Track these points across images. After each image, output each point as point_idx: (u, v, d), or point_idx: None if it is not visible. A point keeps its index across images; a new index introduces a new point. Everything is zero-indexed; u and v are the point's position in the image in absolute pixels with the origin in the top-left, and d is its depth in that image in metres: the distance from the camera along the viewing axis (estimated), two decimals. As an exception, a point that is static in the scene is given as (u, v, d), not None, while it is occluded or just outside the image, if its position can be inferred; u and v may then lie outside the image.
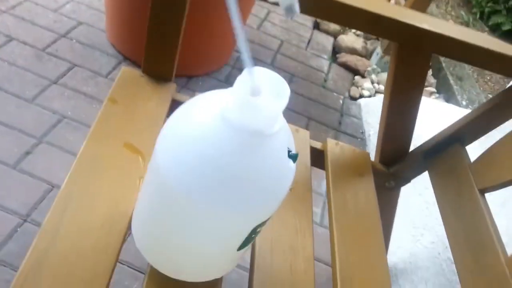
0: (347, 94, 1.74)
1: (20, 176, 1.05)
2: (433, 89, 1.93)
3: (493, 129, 0.69)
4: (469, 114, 0.71)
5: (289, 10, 0.29)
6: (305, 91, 1.66)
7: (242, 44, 0.32)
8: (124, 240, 0.51)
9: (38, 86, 1.29)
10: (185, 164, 0.37)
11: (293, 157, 0.40)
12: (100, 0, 1.66)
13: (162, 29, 0.65)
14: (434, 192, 0.72)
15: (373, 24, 0.59)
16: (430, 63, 2.06)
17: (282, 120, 0.38)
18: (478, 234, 0.60)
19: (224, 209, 0.37)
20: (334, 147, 0.77)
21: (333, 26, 2.03)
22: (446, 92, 1.91)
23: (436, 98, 1.89)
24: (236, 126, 0.35)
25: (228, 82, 1.55)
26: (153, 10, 0.62)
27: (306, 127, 1.51)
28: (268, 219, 0.43)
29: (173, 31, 0.64)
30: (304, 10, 0.64)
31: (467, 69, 2.02)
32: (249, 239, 0.44)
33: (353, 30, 2.10)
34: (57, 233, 0.48)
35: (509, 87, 0.65)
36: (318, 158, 0.76)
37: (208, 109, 0.38)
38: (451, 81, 1.90)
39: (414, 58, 0.63)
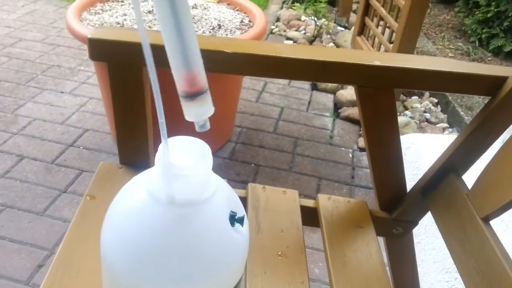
0: (355, 147, 1.71)
1: (32, 291, 1.05)
2: (445, 124, 1.88)
3: (483, 152, 0.65)
4: (455, 140, 0.67)
5: (202, 127, 0.32)
6: (312, 152, 1.64)
7: (160, 115, 0.32)
8: None
9: (48, 198, 1.33)
10: (120, 246, 0.36)
11: (239, 220, 0.38)
12: (104, 106, 1.76)
13: (127, 118, 0.67)
14: (439, 230, 0.66)
15: (324, 73, 0.59)
16: (436, 100, 2.04)
17: (217, 184, 0.37)
18: (490, 267, 0.54)
19: (166, 286, 0.35)
20: (327, 202, 0.74)
21: (331, 84, 2.06)
22: (458, 125, 1.85)
23: (450, 132, 1.83)
24: (163, 201, 0.34)
25: (233, 158, 1.56)
26: (115, 101, 0.64)
27: (318, 188, 1.48)
28: (233, 290, 0.40)
29: (139, 118, 0.66)
30: (253, 71, 0.65)
31: (476, 98, 1.98)
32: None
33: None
34: None
35: (485, 105, 0.62)
36: (311, 216, 0.73)
37: (138, 188, 0.37)
38: (461, 113, 1.86)
39: (376, 97, 0.61)
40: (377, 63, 0.58)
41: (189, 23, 0.28)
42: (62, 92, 1.87)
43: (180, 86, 0.30)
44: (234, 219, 0.38)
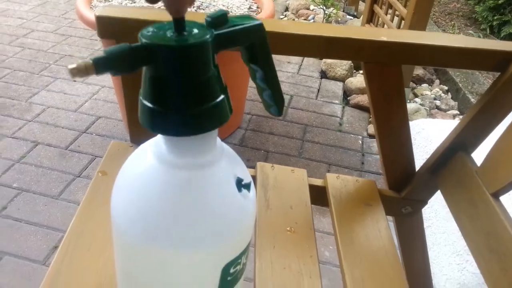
0: (365, 134, 1.71)
1: (48, 270, 1.08)
2: (456, 111, 1.87)
3: (492, 129, 0.65)
4: (464, 118, 0.67)
5: None
6: (321, 139, 1.64)
7: None
8: (114, 309, 0.49)
9: (63, 182, 1.35)
10: (128, 209, 0.37)
11: (246, 186, 0.39)
12: (115, 94, 1.78)
13: (137, 96, 0.68)
14: (449, 209, 0.67)
15: (330, 48, 0.59)
16: (447, 88, 2.02)
17: (224, 150, 0.38)
18: (501, 243, 0.54)
19: (174, 249, 0.36)
20: (335, 181, 0.75)
21: (340, 72, 2.05)
22: (470, 111, 1.84)
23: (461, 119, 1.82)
24: (169, 162, 0.35)
25: (243, 145, 1.57)
26: (124, 78, 0.65)
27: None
28: (240, 258, 0.41)
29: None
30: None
31: (487, 84, 1.95)
32: (228, 283, 0.41)
33: (361, 72, 2.11)
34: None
35: (493, 82, 0.62)
36: (319, 195, 0.73)
37: (145, 153, 0.38)
38: (472, 100, 1.84)
39: (383, 73, 0.62)
40: (384, 38, 0.58)
41: None
42: (74, 81, 1.90)
43: None
44: (240, 185, 0.38)
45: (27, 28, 2.34)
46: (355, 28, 0.61)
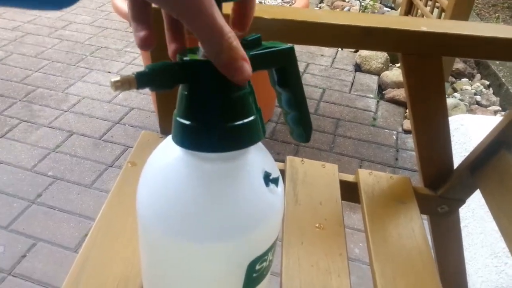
0: (400, 129, 1.65)
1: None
2: (497, 107, 1.78)
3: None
4: (507, 113, 0.63)
5: None
6: (354, 133, 1.61)
7: None
8: (139, 299, 0.49)
9: (96, 171, 1.38)
10: (154, 201, 0.36)
11: (274, 180, 0.37)
12: (147, 86, 1.80)
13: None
14: (489, 209, 0.63)
15: (366, 39, 0.56)
16: (488, 82, 1.92)
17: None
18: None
19: (198, 243, 0.35)
20: (368, 177, 0.72)
21: (375, 65, 2.00)
22: (513, 107, 1.75)
23: (503, 115, 1.73)
24: (195, 154, 0.34)
25: (273, 138, 1.56)
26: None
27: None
28: (266, 254, 0.40)
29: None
30: (291, 38, 0.64)
31: (532, 79, 1.85)
32: (253, 280, 0.40)
33: (397, 65, 2.04)
34: (72, 298, 0.48)
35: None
36: (351, 191, 0.71)
37: (172, 144, 0.37)
38: (516, 95, 1.75)
39: (422, 65, 0.58)
40: (424, 29, 0.55)
41: None
42: (109, 72, 1.93)
43: None
44: (268, 179, 0.37)
45: (66, 20, 2.40)
46: (393, 18, 0.59)
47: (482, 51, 0.56)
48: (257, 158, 0.37)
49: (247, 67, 0.27)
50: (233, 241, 0.36)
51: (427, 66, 0.59)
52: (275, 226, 0.39)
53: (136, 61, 2.03)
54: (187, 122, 0.32)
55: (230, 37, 0.26)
